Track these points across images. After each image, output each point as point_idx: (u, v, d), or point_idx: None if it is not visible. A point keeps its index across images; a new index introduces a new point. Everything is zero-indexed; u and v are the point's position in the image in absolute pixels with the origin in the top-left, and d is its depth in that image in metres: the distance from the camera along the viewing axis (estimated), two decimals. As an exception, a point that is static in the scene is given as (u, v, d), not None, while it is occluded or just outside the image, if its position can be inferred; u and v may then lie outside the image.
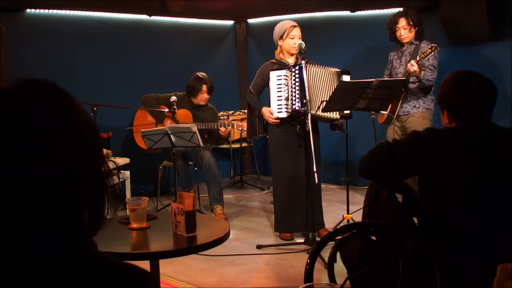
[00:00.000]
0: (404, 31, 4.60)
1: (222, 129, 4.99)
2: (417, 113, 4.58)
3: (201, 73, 5.22)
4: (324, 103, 3.90)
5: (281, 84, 4.13)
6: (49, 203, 0.81)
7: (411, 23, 4.57)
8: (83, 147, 0.85)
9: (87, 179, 0.85)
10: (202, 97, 5.19)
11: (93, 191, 0.86)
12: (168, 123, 5.06)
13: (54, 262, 0.81)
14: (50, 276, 0.80)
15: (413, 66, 4.34)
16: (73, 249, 0.83)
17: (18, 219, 0.80)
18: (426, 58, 4.41)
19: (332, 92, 3.91)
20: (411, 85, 4.53)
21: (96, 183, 0.87)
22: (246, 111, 4.76)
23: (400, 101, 4.60)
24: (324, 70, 4.14)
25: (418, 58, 4.35)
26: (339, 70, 4.21)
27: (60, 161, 0.81)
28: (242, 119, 5.02)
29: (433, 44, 4.34)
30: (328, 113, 4.10)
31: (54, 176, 0.80)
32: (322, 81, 4.12)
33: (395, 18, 4.66)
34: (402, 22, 4.60)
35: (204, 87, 5.15)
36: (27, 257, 0.80)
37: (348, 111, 4.11)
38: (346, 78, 4.17)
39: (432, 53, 4.35)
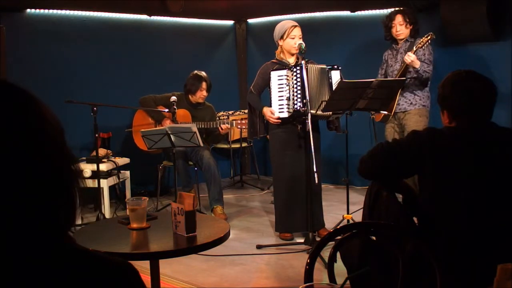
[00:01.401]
0: (400, 27, 4.64)
1: (223, 126, 5.00)
2: (413, 110, 4.61)
3: (199, 71, 5.25)
4: (324, 103, 3.89)
5: (282, 84, 4.13)
6: (22, 201, 0.82)
7: (407, 20, 4.61)
8: (51, 146, 0.86)
9: (57, 177, 0.86)
10: (201, 94, 5.21)
11: (64, 188, 0.87)
12: (167, 123, 5.06)
13: (35, 258, 0.82)
14: (33, 272, 0.81)
15: (410, 57, 4.37)
16: (53, 244, 0.84)
17: None
18: (422, 52, 4.43)
19: (332, 92, 3.91)
20: (407, 80, 4.55)
21: (66, 181, 0.88)
22: (246, 111, 4.76)
23: (397, 98, 4.61)
24: (316, 68, 4.13)
25: (414, 49, 4.38)
26: (327, 66, 4.17)
27: (30, 160, 0.82)
28: (242, 119, 5.02)
29: (430, 32, 4.35)
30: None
31: (25, 174, 0.81)
32: (319, 79, 4.11)
33: (391, 15, 4.72)
34: (399, 18, 4.65)
35: (204, 84, 5.18)
36: (7, 254, 0.80)
37: None
38: (335, 74, 4.15)
39: (427, 42, 4.36)
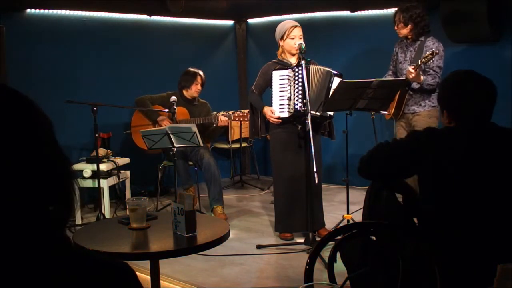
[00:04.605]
0: (396, 27, 4.59)
1: (222, 117, 5.01)
2: (423, 112, 4.50)
3: (191, 67, 5.32)
4: (324, 103, 3.89)
5: (283, 84, 4.13)
6: (15, 200, 0.82)
7: (402, 19, 4.53)
8: (43, 144, 0.86)
9: (51, 174, 0.86)
10: (196, 88, 5.27)
11: (59, 186, 0.88)
12: (167, 123, 5.06)
13: (29, 258, 0.81)
14: (27, 273, 0.80)
15: (411, 74, 4.28)
16: (48, 244, 0.84)
17: None
18: (431, 60, 4.34)
19: (332, 92, 3.91)
20: (414, 84, 4.49)
21: (61, 179, 0.88)
22: (246, 111, 4.76)
23: (405, 100, 4.55)
24: (320, 69, 4.12)
25: (419, 63, 4.28)
26: (333, 71, 4.13)
27: (22, 159, 0.82)
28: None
29: (433, 50, 4.26)
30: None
31: (18, 173, 0.82)
32: (320, 80, 4.11)
33: (395, 12, 4.66)
34: (396, 17, 4.60)
35: (199, 78, 5.27)
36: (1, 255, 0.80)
37: (331, 113, 4.13)
38: (336, 80, 4.09)
39: (434, 57, 4.28)
